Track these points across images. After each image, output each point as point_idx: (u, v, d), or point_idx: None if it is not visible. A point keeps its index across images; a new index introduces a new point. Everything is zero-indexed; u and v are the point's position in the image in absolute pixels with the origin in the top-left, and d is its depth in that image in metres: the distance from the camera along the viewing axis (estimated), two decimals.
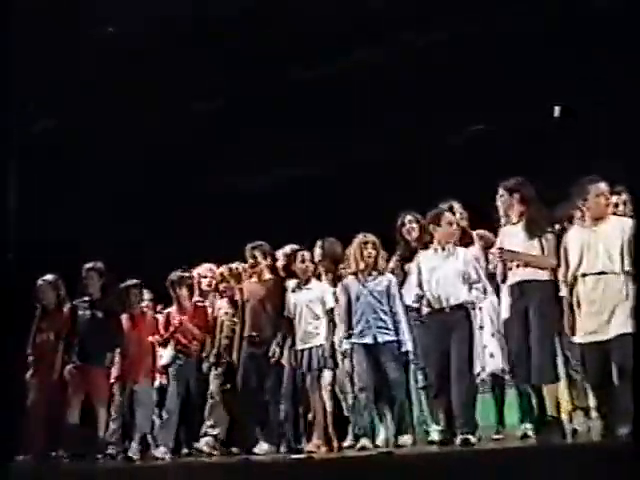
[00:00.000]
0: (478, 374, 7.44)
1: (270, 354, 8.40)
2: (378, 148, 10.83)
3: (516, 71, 9.90)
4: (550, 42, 9.71)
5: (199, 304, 9.22)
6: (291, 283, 8.50)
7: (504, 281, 7.24)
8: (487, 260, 7.53)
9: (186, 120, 11.09)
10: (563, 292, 6.83)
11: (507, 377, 7.65)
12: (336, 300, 8.14)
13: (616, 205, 7.23)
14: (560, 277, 6.87)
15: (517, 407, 7.55)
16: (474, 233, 7.85)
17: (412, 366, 7.92)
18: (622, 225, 6.70)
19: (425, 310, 7.37)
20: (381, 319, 7.76)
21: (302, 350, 8.23)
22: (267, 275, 8.71)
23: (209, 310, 9.20)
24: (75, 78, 10.55)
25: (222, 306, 9.08)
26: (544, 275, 7.04)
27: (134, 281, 9.41)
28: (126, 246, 11.28)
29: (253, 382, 8.51)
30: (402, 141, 10.77)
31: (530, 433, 7.26)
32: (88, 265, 9.21)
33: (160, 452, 8.79)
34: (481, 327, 7.49)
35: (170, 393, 9.02)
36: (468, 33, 9.92)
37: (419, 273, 7.41)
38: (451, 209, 7.77)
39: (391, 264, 8.15)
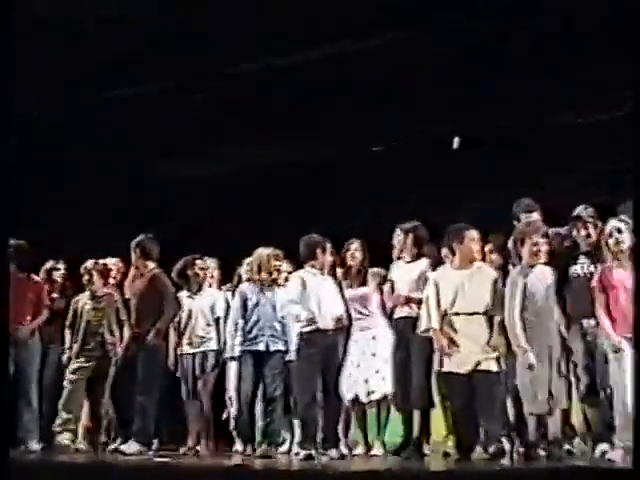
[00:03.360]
0: (369, 394, 8.13)
1: (148, 342, 8.46)
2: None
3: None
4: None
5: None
6: (185, 290, 8.86)
7: (391, 315, 8.05)
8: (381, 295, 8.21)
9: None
10: (435, 325, 7.38)
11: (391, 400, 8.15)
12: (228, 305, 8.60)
13: (486, 252, 7.81)
14: (432, 312, 7.42)
15: (401, 429, 8.08)
16: (369, 272, 8.42)
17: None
18: (488, 271, 7.42)
19: (309, 328, 7.89)
20: (274, 328, 8.09)
21: (193, 354, 8.59)
22: (149, 273, 8.79)
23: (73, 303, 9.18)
24: None
25: (83, 299, 9.18)
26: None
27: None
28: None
29: (129, 379, 8.57)
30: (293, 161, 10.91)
31: (404, 454, 7.84)
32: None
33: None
34: (373, 354, 8.19)
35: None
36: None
37: (303, 289, 7.96)
38: (347, 249, 8.44)
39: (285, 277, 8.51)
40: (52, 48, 10.02)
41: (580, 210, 7.49)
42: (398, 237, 8.08)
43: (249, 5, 9.64)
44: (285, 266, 8.41)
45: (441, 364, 7.40)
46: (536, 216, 7.73)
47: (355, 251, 8.45)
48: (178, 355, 8.77)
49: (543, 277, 7.27)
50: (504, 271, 7.63)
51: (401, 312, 7.94)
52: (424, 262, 7.94)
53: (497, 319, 7.26)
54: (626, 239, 7.00)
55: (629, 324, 6.72)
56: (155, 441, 8.63)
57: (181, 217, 11.61)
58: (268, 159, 11.18)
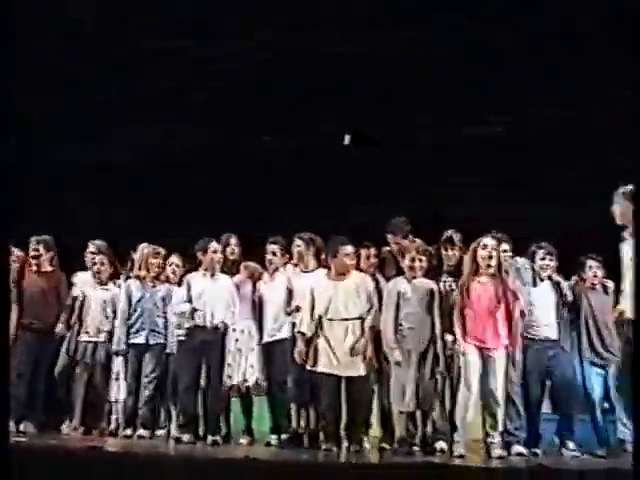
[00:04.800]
0: (244, 383, 8.44)
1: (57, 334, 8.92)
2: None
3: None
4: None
5: None
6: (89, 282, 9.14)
7: (289, 315, 8.26)
8: (254, 288, 8.52)
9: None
10: (304, 329, 7.91)
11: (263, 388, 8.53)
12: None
13: (366, 257, 8.26)
14: (304, 318, 7.94)
15: (269, 418, 8.48)
16: (242, 264, 8.71)
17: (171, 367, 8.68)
18: (362, 279, 7.92)
19: (189, 324, 8.34)
20: (155, 322, 8.67)
21: (91, 342, 8.93)
22: (48, 267, 9.16)
23: None
24: None
25: None
26: None
27: None
28: None
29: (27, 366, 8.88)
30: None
31: (274, 443, 8.29)
32: None
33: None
34: (239, 350, 8.48)
35: None
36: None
37: (189, 289, 8.39)
38: (226, 244, 8.70)
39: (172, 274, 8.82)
40: (52, 48, 10.03)
41: (451, 232, 8.04)
42: (298, 247, 8.35)
43: (249, 5, 9.67)
44: (176, 262, 8.79)
45: (314, 364, 7.90)
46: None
47: (234, 246, 8.81)
48: (77, 342, 9.07)
49: (416, 288, 7.78)
50: (378, 279, 8.14)
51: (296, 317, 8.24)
52: (321, 273, 8.23)
53: (367, 324, 7.81)
54: (493, 255, 7.54)
55: (476, 334, 7.47)
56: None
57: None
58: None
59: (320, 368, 7.85)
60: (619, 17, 8.57)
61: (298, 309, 8.17)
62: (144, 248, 8.82)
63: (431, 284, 7.77)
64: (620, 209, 7.09)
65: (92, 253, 9.13)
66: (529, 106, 10.44)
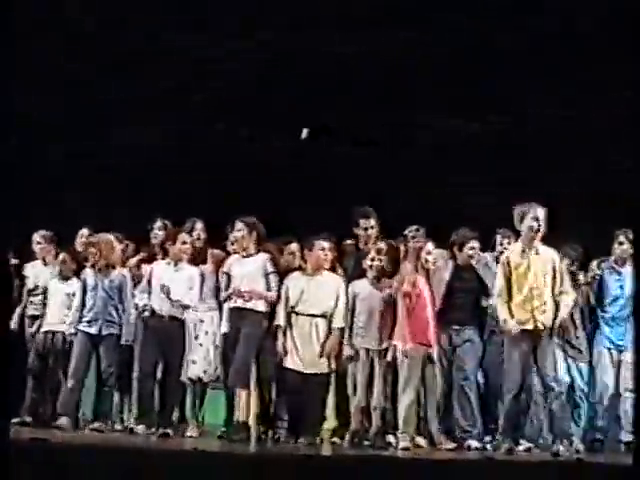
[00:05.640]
0: (198, 375, 8.38)
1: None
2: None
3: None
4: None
5: None
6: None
7: (225, 302, 8.31)
8: (217, 278, 8.43)
9: None
10: (280, 322, 8.03)
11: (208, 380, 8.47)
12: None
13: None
14: (279, 311, 8.05)
15: (223, 409, 8.43)
16: (209, 252, 8.65)
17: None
18: (335, 280, 8.08)
19: (148, 314, 8.34)
20: (109, 312, 8.55)
21: (51, 332, 8.84)
22: None
23: None
24: None
25: None
26: (260, 306, 8.13)
27: None
28: None
29: None
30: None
31: (225, 435, 8.21)
32: None
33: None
34: (196, 337, 8.44)
35: None
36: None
37: (149, 280, 8.38)
38: (191, 229, 8.65)
39: (132, 261, 8.84)
40: (52, 48, 10.04)
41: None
42: (239, 232, 8.24)
43: (249, 5, 9.68)
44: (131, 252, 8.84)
45: (282, 360, 8.03)
46: (372, 222, 8.34)
47: (200, 231, 8.73)
48: (42, 332, 9.00)
49: (372, 290, 7.98)
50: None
51: (235, 302, 8.17)
52: (262, 257, 8.21)
53: (336, 325, 7.99)
54: (436, 256, 7.93)
55: (420, 334, 7.74)
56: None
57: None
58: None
59: (287, 364, 8.01)
60: (619, 17, 8.58)
61: (231, 296, 8.13)
62: (104, 236, 8.70)
63: (389, 286, 7.90)
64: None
65: (39, 243, 9.08)
66: (529, 106, 10.44)
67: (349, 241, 8.51)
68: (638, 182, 6.76)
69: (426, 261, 7.85)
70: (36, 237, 9.19)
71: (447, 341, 8.03)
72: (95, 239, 8.76)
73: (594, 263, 8.37)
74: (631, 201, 6.76)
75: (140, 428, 8.23)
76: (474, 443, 7.80)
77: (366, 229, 8.33)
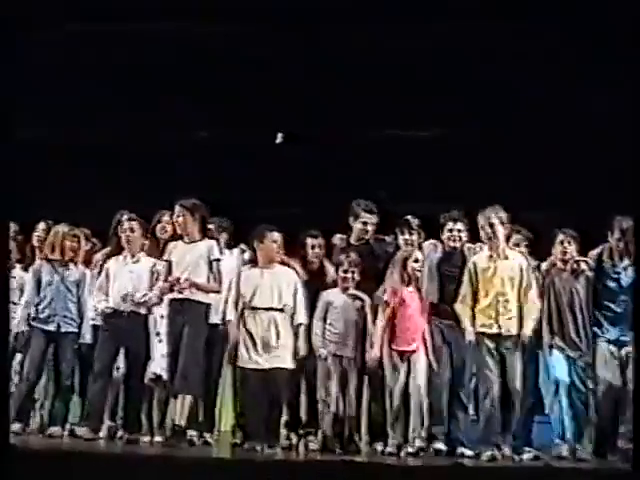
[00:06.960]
0: (153, 374, 7.91)
1: None
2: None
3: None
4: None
5: None
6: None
7: (164, 294, 7.84)
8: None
9: None
10: (231, 317, 7.67)
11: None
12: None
13: (311, 247, 8.11)
14: (229, 304, 7.70)
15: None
16: (170, 245, 8.01)
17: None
18: (289, 273, 7.81)
19: (107, 311, 7.90)
20: (68, 309, 8.07)
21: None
22: None
23: None
24: None
25: None
26: (203, 297, 7.71)
27: None
28: None
29: None
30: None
31: (195, 439, 7.74)
32: None
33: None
34: (157, 334, 7.96)
35: None
36: None
37: (107, 277, 7.98)
38: (160, 220, 8.25)
39: (98, 256, 8.37)
40: (52, 48, 10.03)
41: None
42: (179, 217, 7.79)
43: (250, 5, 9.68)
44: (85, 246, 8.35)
45: (235, 357, 7.67)
46: (375, 219, 8.18)
47: (166, 224, 8.25)
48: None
49: (345, 300, 7.87)
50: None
51: (177, 294, 7.72)
52: (207, 244, 7.81)
53: (297, 321, 7.71)
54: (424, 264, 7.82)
55: (400, 341, 7.68)
56: None
57: None
58: None
59: (240, 363, 7.67)
60: (620, 17, 8.58)
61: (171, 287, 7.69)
62: (58, 229, 8.24)
63: (361, 296, 7.86)
64: None
65: None
66: (527, 106, 10.43)
67: (339, 235, 8.32)
68: (638, 182, 6.76)
69: (413, 270, 7.76)
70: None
71: (440, 339, 7.85)
72: (60, 232, 8.20)
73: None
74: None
75: (83, 430, 7.75)
76: (468, 452, 7.64)
77: (365, 223, 8.14)
